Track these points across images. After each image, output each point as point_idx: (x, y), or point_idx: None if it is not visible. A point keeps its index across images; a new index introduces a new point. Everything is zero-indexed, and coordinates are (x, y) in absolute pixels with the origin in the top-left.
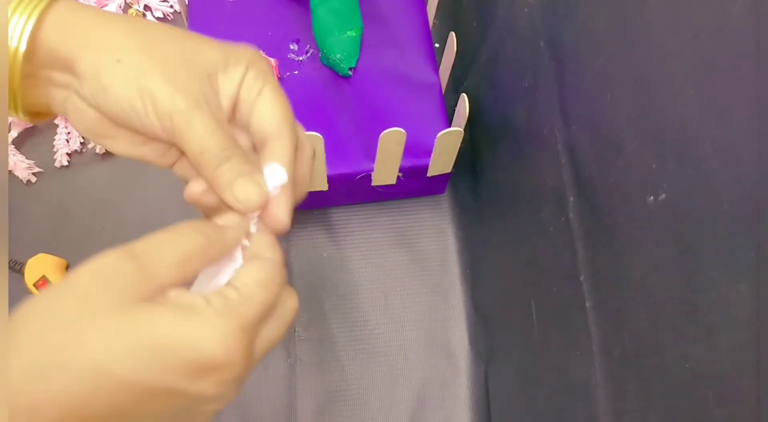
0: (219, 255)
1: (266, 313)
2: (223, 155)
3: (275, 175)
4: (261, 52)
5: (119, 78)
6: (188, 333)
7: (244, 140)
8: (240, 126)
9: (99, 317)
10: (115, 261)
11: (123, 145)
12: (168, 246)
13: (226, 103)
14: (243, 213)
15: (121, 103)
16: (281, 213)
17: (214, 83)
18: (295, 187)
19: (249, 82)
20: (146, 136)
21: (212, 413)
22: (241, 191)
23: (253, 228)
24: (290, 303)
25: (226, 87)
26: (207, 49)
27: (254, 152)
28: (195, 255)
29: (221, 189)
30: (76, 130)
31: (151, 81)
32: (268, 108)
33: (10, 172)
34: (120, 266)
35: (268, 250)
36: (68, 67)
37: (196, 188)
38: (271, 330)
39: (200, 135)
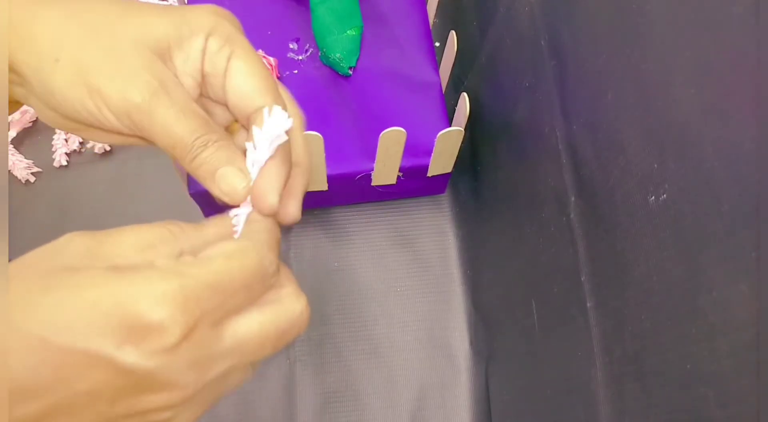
0: (191, 248)
1: (229, 287)
2: (198, 144)
3: (275, 123)
4: (222, 9)
5: (62, 79)
6: (119, 290)
7: (221, 114)
8: (215, 100)
9: (29, 281)
10: (69, 237)
11: (99, 137)
12: (130, 232)
13: (189, 82)
14: (233, 204)
15: (72, 105)
16: (269, 193)
17: (169, 62)
18: (302, 168)
19: (212, 52)
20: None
21: None
22: (225, 183)
23: (243, 215)
24: (291, 302)
25: (186, 64)
26: (155, 24)
27: (236, 123)
28: (158, 243)
29: (203, 180)
30: (45, 122)
31: (96, 77)
32: (242, 80)
33: (8, 171)
34: (72, 241)
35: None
36: (14, 68)
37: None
38: (253, 322)
39: (166, 128)
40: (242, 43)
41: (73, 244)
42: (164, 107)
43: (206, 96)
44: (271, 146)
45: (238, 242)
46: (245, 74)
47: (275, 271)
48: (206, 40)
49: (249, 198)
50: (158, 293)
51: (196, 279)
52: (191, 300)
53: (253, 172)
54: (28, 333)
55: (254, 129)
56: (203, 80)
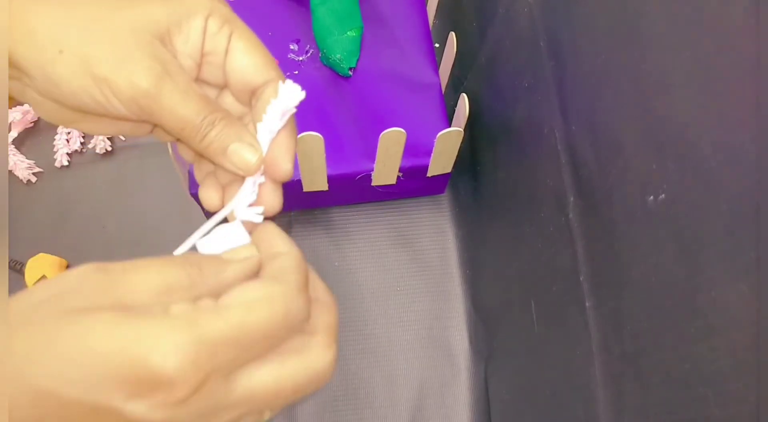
0: (210, 289)
1: (247, 341)
2: (206, 123)
3: (289, 94)
4: None
5: (66, 70)
6: (130, 338)
7: (214, 95)
8: (211, 82)
9: (38, 326)
10: (83, 271)
11: (94, 127)
12: (146, 270)
13: (189, 63)
14: (244, 176)
15: (78, 95)
16: (283, 161)
17: (168, 45)
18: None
19: (213, 32)
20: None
21: None
22: (238, 158)
23: (253, 196)
24: (318, 355)
25: (186, 45)
26: (152, 10)
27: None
28: (178, 289)
29: (215, 158)
30: (42, 117)
31: (101, 67)
32: (245, 57)
33: (10, 171)
34: (86, 276)
35: (283, 260)
36: (12, 62)
37: (212, 201)
38: (270, 375)
39: (174, 111)
40: (240, 23)
41: (87, 281)
42: (170, 91)
43: (201, 79)
44: (283, 117)
45: (265, 287)
46: (247, 51)
47: (305, 318)
48: (206, 19)
49: (262, 168)
50: (170, 345)
51: (212, 332)
52: (204, 354)
53: (265, 141)
54: (34, 386)
55: (272, 100)
56: (201, 60)
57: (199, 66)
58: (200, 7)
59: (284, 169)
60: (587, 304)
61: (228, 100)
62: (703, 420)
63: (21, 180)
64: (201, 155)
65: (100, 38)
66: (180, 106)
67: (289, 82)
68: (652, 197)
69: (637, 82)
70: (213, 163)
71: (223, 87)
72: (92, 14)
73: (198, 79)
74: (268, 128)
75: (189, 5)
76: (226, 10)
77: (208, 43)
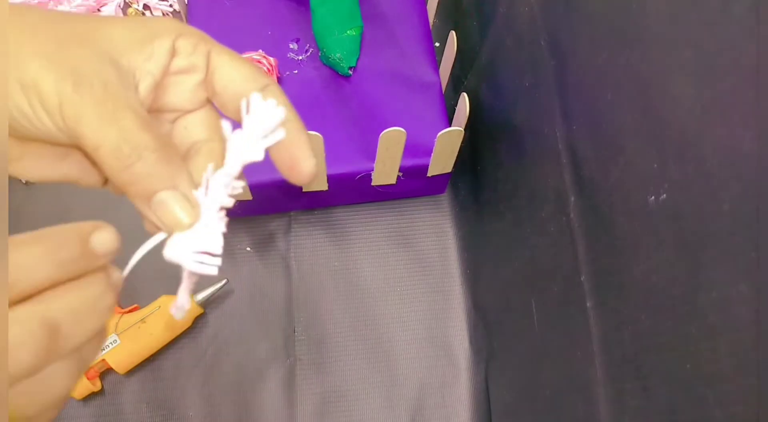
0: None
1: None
2: (130, 152)
3: (263, 114)
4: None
5: None
6: None
7: (167, 127)
8: (173, 106)
9: None
10: None
11: (36, 166)
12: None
13: (147, 82)
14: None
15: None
16: (304, 163)
17: (121, 62)
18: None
19: (187, 52)
20: (49, 144)
21: None
22: (166, 213)
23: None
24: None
25: (146, 64)
26: (108, 27)
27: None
28: None
29: (136, 202)
30: None
31: (31, 70)
32: (233, 69)
33: None
34: None
35: None
36: None
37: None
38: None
39: (94, 126)
40: (216, 42)
41: None
42: (99, 102)
43: (158, 107)
44: (268, 137)
45: None
46: (233, 64)
47: None
48: (173, 41)
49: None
50: None
51: None
52: None
53: (235, 169)
54: None
55: (244, 117)
56: (164, 81)
57: (158, 86)
58: (166, 29)
59: (305, 167)
60: (588, 304)
61: (189, 123)
62: (704, 421)
63: (20, 180)
64: (125, 192)
65: (39, 43)
66: (104, 120)
67: (261, 99)
68: (653, 197)
69: (638, 82)
70: (135, 207)
71: (188, 111)
72: (37, 23)
73: (154, 108)
74: (241, 154)
75: (153, 28)
76: (197, 31)
77: (180, 62)
